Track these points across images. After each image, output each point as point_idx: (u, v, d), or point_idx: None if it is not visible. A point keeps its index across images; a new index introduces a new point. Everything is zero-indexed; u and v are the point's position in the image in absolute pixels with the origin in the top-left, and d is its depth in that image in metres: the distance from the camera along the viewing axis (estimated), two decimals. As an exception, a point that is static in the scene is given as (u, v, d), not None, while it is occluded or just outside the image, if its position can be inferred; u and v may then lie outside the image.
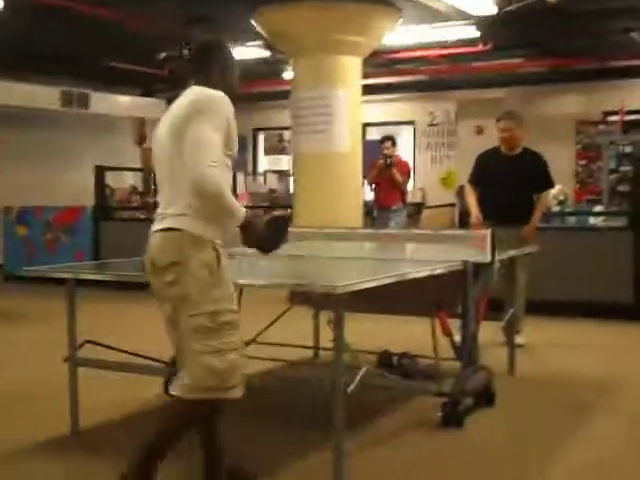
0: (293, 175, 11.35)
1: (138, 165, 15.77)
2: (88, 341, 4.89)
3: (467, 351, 5.17)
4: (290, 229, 3.92)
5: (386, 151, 10.97)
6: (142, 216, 12.54)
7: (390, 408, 5.36)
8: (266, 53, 13.15)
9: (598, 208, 11.48)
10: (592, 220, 10.15)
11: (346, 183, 10.27)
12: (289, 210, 11.31)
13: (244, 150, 18.88)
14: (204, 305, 3.45)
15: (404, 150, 16.49)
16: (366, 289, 3.93)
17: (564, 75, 14.74)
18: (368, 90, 11.07)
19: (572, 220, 10.33)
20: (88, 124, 15.89)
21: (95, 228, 12.41)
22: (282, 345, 6.33)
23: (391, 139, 11.13)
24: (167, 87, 15.35)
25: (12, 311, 9.82)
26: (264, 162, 19.23)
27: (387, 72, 14.90)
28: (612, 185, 13.97)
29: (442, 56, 13.62)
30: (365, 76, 10.74)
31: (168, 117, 3.61)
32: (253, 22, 10.36)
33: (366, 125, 14.32)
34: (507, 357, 6.33)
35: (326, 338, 5.53)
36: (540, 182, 7.46)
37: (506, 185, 7.31)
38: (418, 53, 13.35)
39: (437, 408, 4.90)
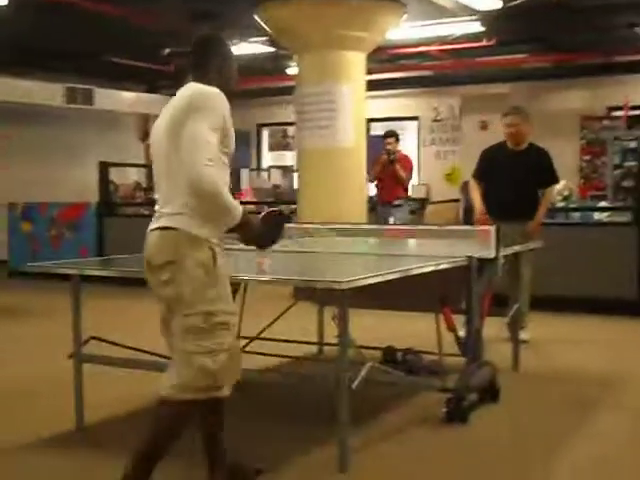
0: (297, 171, 11.35)
1: (142, 161, 15.77)
2: (93, 337, 4.90)
3: (471, 347, 5.17)
4: (288, 225, 3.92)
5: (389, 147, 10.98)
6: (146, 212, 12.51)
7: (394, 404, 5.36)
8: (270, 49, 13.15)
9: (602, 204, 11.49)
10: (596, 215, 10.15)
11: (350, 179, 10.26)
12: (292, 206, 11.31)
13: (248, 146, 18.90)
14: (198, 305, 3.44)
15: (408, 146, 16.51)
16: (370, 285, 3.94)
17: (568, 70, 14.73)
18: (372, 86, 11.07)
19: (576, 216, 10.32)
20: (92, 120, 15.91)
21: (99, 224, 12.44)
22: (286, 341, 6.35)
23: (394, 135, 11.14)
24: (171, 83, 15.30)
25: (16, 307, 9.84)
26: (268, 158, 19.24)
27: (391, 68, 14.89)
28: (616, 180, 13.95)
29: (446, 51, 13.61)
30: (369, 72, 10.73)
31: (165, 115, 3.59)
32: (257, 18, 10.36)
33: (370, 121, 14.29)
34: (511, 353, 6.32)
35: (330, 334, 5.55)
36: (545, 177, 7.45)
37: (511, 180, 7.30)
38: (422, 48, 13.35)
39: (441, 404, 4.90)
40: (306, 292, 5.92)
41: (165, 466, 3.57)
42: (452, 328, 5.25)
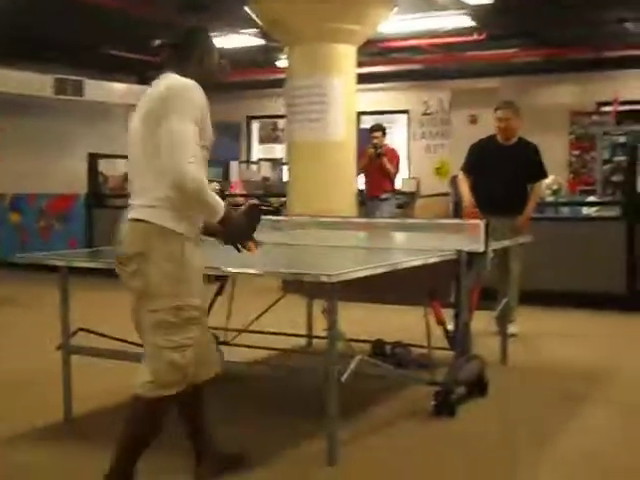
0: (287, 163, 11.34)
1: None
2: (81, 329, 4.89)
3: (460, 340, 5.18)
4: (276, 217, 3.90)
5: (376, 141, 10.96)
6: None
7: (383, 397, 5.36)
8: (261, 41, 13.13)
9: (591, 198, 11.51)
10: (585, 210, 10.17)
11: (340, 172, 10.25)
12: (282, 199, 11.30)
13: (238, 138, 18.88)
14: (167, 299, 3.42)
15: (398, 139, 16.52)
16: (359, 278, 3.94)
17: (558, 65, 14.75)
18: (362, 79, 11.05)
19: (566, 210, 10.34)
20: (82, 112, 15.86)
21: (88, 215, 12.39)
22: (275, 334, 6.34)
23: (381, 129, 11.11)
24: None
25: (5, 298, 9.80)
26: (258, 150, 19.22)
27: (382, 61, 14.90)
28: (606, 175, 13.98)
29: (437, 45, 13.62)
30: (359, 65, 10.71)
31: (141, 106, 3.53)
32: (248, 10, 10.33)
33: (360, 114, 14.30)
34: (500, 347, 6.33)
35: (319, 327, 5.54)
36: (534, 172, 7.46)
37: (501, 175, 7.31)
38: (413, 42, 13.36)
39: (430, 397, 4.90)
40: (295, 285, 5.92)
41: (151, 455, 3.58)
42: (441, 321, 5.26)
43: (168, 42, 3.72)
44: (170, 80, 3.53)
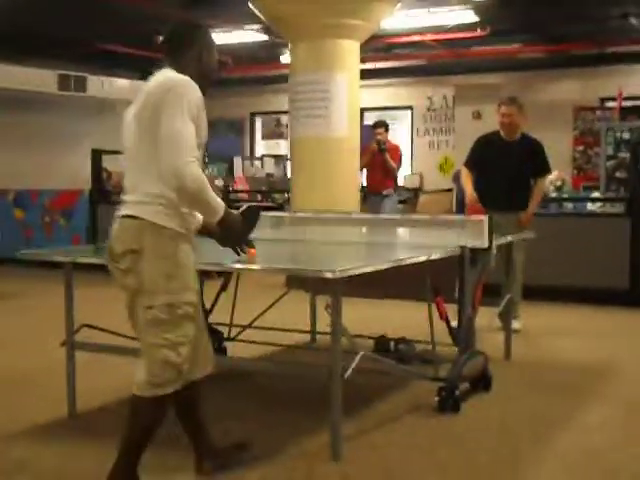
0: (290, 159, 11.33)
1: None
2: (85, 325, 4.89)
3: (464, 336, 5.18)
4: (277, 214, 3.90)
5: (379, 137, 10.94)
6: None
7: (387, 393, 5.37)
8: (264, 37, 13.12)
9: (595, 194, 11.48)
10: (589, 206, 10.15)
11: (344, 168, 10.25)
12: (285, 195, 11.29)
13: (241, 134, 18.87)
14: (159, 296, 3.40)
15: (402, 135, 16.52)
16: (363, 274, 3.94)
17: (562, 61, 14.73)
18: (366, 75, 11.06)
19: (569, 206, 10.32)
20: (86, 107, 15.84)
21: (92, 212, 12.38)
22: (279, 329, 6.34)
23: (384, 125, 11.09)
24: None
25: (9, 294, 9.82)
26: (261, 146, 19.21)
27: (385, 57, 14.90)
28: (609, 171, 13.94)
29: (440, 41, 13.60)
30: (363, 61, 10.71)
31: (137, 102, 3.52)
32: (251, 6, 10.33)
33: (364, 110, 14.29)
34: (503, 342, 6.34)
35: (323, 322, 5.55)
36: (537, 168, 7.45)
37: (504, 171, 7.31)
38: (416, 38, 13.34)
39: (434, 393, 4.91)
40: (299, 281, 5.93)
41: (152, 452, 3.59)
42: (445, 317, 5.26)
43: (166, 37, 3.69)
44: (166, 76, 3.49)
